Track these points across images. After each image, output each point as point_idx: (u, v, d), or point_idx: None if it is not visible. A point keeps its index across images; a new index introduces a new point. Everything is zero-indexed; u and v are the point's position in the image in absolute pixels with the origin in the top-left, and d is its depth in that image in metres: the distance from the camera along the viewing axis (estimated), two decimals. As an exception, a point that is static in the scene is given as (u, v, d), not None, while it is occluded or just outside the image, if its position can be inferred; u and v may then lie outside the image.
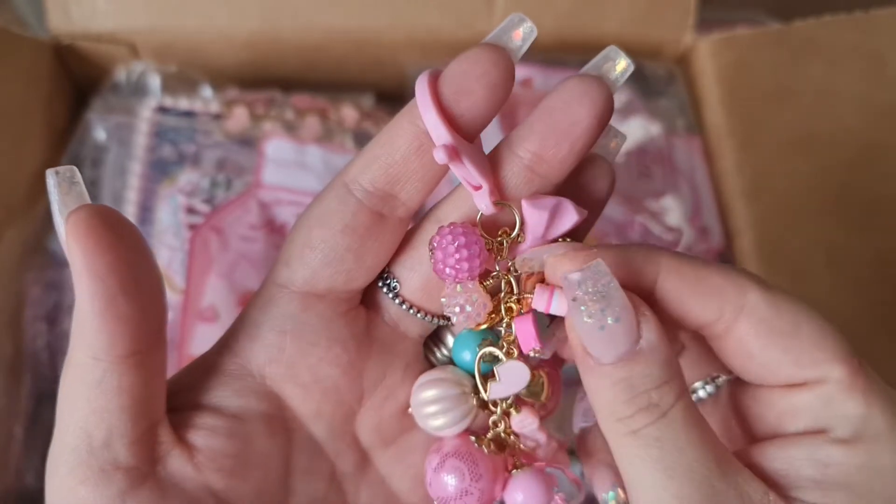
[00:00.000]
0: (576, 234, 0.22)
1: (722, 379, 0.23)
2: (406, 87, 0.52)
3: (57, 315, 0.44)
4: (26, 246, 0.43)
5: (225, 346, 0.23)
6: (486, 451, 0.22)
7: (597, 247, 0.21)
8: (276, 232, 0.46)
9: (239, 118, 0.49)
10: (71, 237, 0.18)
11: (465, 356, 0.23)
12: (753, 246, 0.48)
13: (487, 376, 0.22)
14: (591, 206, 0.23)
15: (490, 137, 0.21)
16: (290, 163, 0.48)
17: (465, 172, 0.20)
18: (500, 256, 0.22)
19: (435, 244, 0.21)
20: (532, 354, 0.21)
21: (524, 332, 0.21)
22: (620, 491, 0.23)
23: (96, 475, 0.19)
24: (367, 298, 0.23)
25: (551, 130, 0.20)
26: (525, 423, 0.22)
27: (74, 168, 0.19)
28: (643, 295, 0.20)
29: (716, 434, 0.19)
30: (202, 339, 0.43)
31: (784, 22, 0.53)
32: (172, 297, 0.44)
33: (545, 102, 0.21)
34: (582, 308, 0.18)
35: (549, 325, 0.22)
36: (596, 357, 0.19)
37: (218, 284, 0.45)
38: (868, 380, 0.19)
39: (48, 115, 0.49)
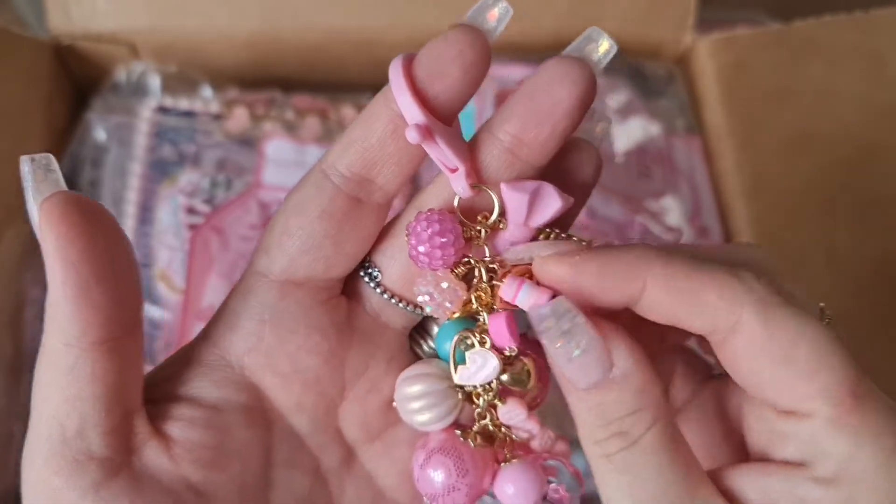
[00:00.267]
0: (562, 222, 0.22)
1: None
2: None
3: (57, 315, 0.44)
4: (26, 246, 0.43)
5: (205, 336, 0.22)
6: (472, 444, 0.22)
7: (586, 243, 0.21)
8: (276, 232, 0.46)
9: (239, 118, 0.49)
10: (44, 223, 0.18)
11: (448, 348, 0.22)
12: (753, 246, 0.48)
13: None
14: (577, 192, 0.22)
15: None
16: (290, 163, 0.48)
17: (441, 154, 0.20)
18: (478, 243, 0.21)
19: (410, 230, 0.21)
20: (507, 353, 0.21)
21: (497, 331, 0.21)
22: None
23: (70, 465, 0.19)
24: (349, 288, 0.23)
25: (532, 112, 0.20)
26: (512, 415, 0.22)
27: (51, 156, 0.19)
28: (630, 303, 0.19)
29: (692, 457, 0.19)
30: (202, 339, 0.43)
31: (784, 22, 0.53)
32: (172, 297, 0.44)
33: (526, 84, 0.20)
34: (550, 339, 0.19)
35: None
36: (572, 382, 0.19)
37: (218, 284, 0.45)
38: (861, 416, 0.18)
39: (48, 115, 0.49)
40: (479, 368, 0.21)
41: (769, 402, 0.20)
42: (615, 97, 0.51)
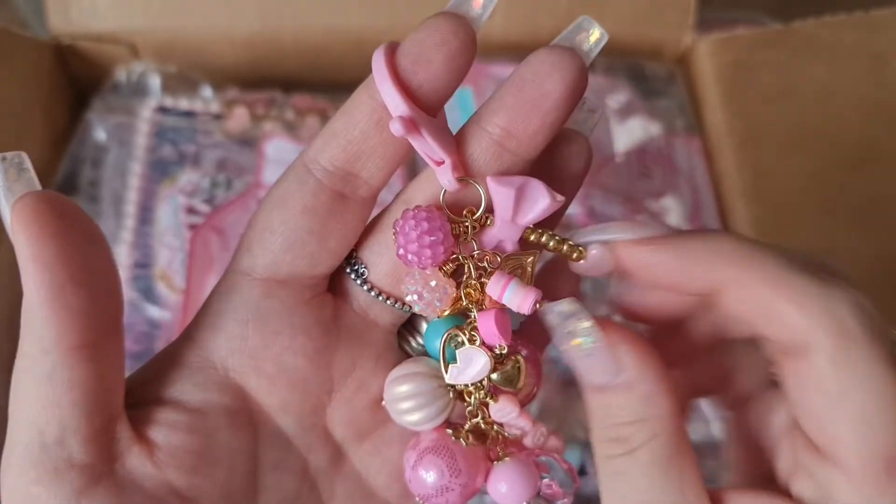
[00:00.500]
0: (551, 216, 0.21)
1: None
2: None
3: (57, 315, 0.44)
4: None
5: (187, 337, 0.21)
6: (464, 443, 0.22)
7: (664, 229, 0.20)
8: (276, 232, 0.46)
9: (239, 118, 0.49)
10: (16, 223, 0.17)
11: (438, 345, 0.22)
12: (753, 246, 0.48)
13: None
14: (567, 184, 0.22)
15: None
16: (290, 163, 0.48)
17: (426, 146, 0.19)
18: (465, 239, 0.21)
19: (397, 229, 0.20)
20: (498, 350, 0.21)
21: (487, 329, 0.21)
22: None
23: (49, 474, 0.18)
24: (335, 285, 0.22)
25: (521, 104, 0.19)
26: (504, 412, 0.21)
27: (23, 153, 0.19)
28: (706, 294, 0.19)
29: (693, 476, 0.19)
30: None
31: (784, 22, 0.53)
32: (172, 297, 0.44)
33: (514, 75, 0.20)
34: (560, 339, 0.19)
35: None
36: (584, 377, 0.19)
37: (218, 284, 0.45)
38: (885, 491, 0.17)
39: (48, 115, 0.49)
40: (470, 366, 0.21)
41: (807, 434, 0.19)
42: (615, 97, 0.51)
